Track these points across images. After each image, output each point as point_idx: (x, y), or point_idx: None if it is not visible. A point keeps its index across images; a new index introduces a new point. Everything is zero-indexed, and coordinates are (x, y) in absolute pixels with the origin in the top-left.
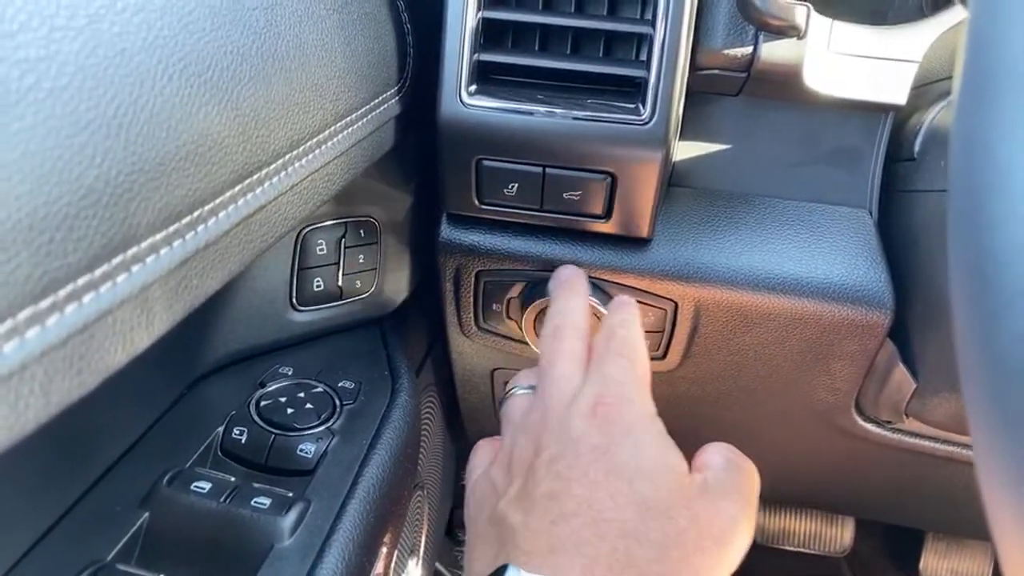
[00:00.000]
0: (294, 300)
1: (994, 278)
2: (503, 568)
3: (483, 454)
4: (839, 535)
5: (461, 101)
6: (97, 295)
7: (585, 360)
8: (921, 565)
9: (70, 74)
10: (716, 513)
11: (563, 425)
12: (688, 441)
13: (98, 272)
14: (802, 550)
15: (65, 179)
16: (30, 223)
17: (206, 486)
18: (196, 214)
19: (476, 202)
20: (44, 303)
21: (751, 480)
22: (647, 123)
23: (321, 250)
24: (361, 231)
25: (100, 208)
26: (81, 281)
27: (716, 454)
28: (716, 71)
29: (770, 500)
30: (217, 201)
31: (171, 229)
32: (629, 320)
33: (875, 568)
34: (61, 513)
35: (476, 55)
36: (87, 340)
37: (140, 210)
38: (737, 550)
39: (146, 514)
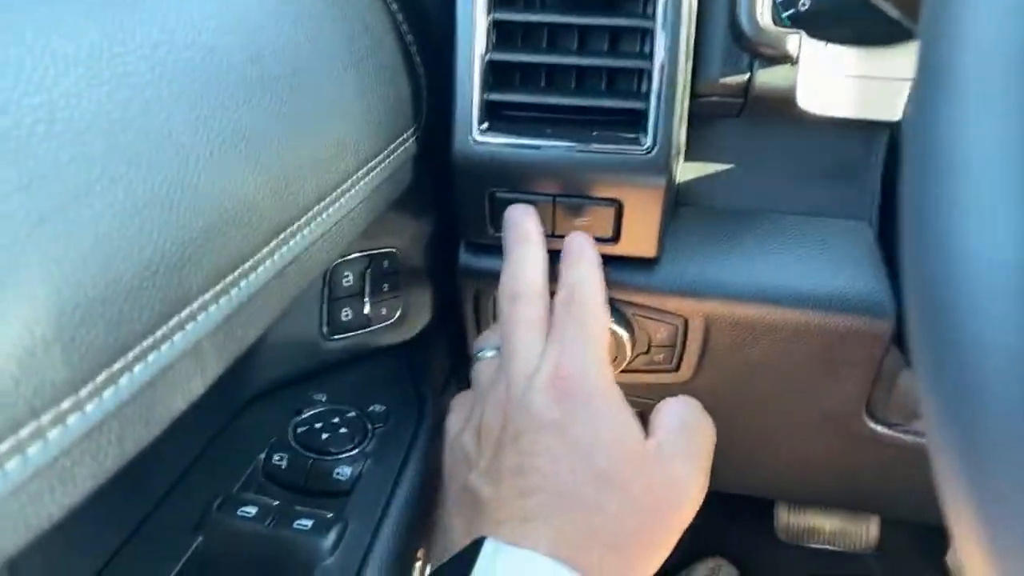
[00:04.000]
0: (325, 330)
1: (935, 282)
2: (480, 540)
3: (457, 415)
4: (865, 532)
5: (473, 139)
6: (159, 354)
7: (545, 323)
8: (948, 558)
9: (127, 161)
10: (669, 478)
11: (524, 400)
12: None
13: (159, 333)
14: (828, 547)
15: (129, 256)
16: (103, 298)
17: (252, 510)
18: (238, 271)
19: (491, 231)
20: (117, 366)
21: (704, 437)
22: (649, 152)
23: (348, 282)
24: (385, 262)
25: (158, 277)
26: (145, 343)
27: (670, 415)
28: (715, 98)
29: (793, 499)
30: (256, 257)
31: (218, 287)
32: (586, 275)
33: (903, 563)
34: (124, 539)
35: (485, 95)
36: (152, 393)
37: (191, 274)
38: (689, 509)
39: (200, 538)
